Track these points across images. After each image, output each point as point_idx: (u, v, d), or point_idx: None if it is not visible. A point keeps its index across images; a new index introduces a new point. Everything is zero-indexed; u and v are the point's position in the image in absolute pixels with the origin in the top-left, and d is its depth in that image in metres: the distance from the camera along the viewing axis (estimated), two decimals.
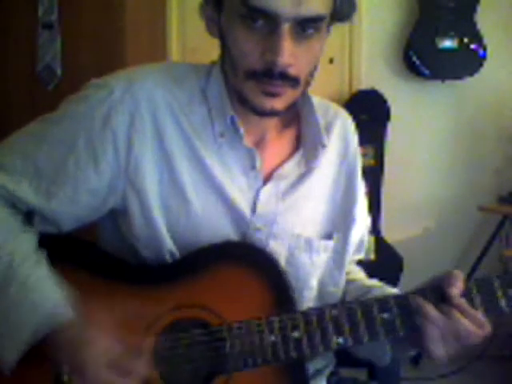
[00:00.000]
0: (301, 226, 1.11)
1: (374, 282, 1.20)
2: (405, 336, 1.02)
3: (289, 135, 1.13)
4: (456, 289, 0.99)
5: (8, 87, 2.00)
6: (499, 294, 1.00)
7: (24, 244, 1.00)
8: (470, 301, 0.99)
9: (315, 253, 1.12)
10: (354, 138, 1.21)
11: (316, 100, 1.14)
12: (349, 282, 1.21)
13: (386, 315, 1.00)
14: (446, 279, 1.00)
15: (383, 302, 1.01)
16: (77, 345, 0.91)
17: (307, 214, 1.13)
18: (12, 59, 1.99)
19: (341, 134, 1.18)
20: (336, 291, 1.16)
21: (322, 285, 1.15)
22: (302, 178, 1.12)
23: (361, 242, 1.24)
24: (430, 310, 0.98)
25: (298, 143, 1.13)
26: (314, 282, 1.13)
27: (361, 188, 1.20)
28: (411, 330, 1.00)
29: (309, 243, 1.11)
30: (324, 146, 1.12)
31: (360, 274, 1.25)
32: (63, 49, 1.94)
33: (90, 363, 0.89)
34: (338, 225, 1.16)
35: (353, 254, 1.24)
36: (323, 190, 1.15)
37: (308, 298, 1.12)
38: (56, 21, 1.93)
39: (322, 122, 1.12)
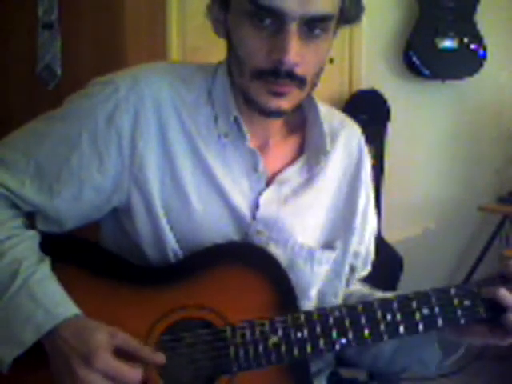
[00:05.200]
0: (304, 235, 1.10)
1: None
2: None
3: (293, 141, 1.13)
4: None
5: (8, 87, 2.00)
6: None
7: (27, 243, 1.00)
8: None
9: (317, 263, 1.11)
10: (361, 149, 1.19)
11: (322, 107, 1.13)
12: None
13: (388, 316, 1.00)
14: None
15: (386, 303, 1.01)
16: (81, 335, 0.91)
17: (310, 223, 1.12)
18: (12, 59, 1.99)
19: (346, 144, 1.17)
20: (335, 301, 1.15)
21: (321, 295, 1.14)
22: (305, 185, 1.11)
23: (367, 256, 1.23)
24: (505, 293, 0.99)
25: (302, 149, 1.13)
26: (313, 292, 1.12)
27: (363, 198, 1.18)
28: (412, 331, 1.00)
29: (311, 254, 1.10)
30: (327, 153, 1.11)
31: (379, 293, 1.21)
32: (63, 49, 1.94)
33: (96, 349, 0.89)
34: (339, 234, 1.15)
35: (361, 270, 1.22)
36: (326, 200, 1.14)
37: (306, 308, 1.10)
38: (56, 21, 1.93)
39: (326, 130, 1.11)
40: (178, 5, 2.70)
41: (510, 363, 2.81)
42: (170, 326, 0.98)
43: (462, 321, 1.01)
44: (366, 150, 1.21)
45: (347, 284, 1.20)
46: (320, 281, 1.13)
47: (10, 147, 1.04)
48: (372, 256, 1.25)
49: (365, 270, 1.25)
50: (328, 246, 1.13)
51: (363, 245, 1.21)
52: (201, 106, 1.06)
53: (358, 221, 1.17)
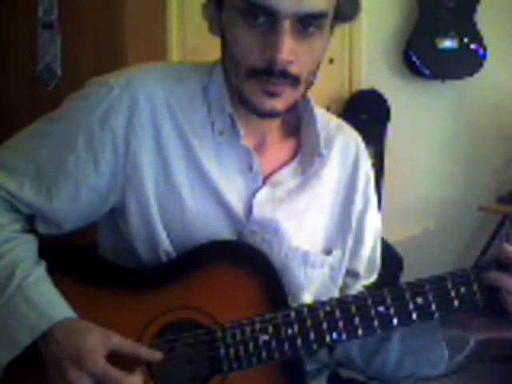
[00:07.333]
0: (299, 239, 1.09)
1: None
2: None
3: (290, 143, 1.12)
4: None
5: (8, 87, 2.00)
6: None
7: (25, 246, 1.01)
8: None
9: (310, 267, 1.09)
10: (358, 156, 1.18)
11: (319, 111, 1.13)
12: None
13: (380, 308, 0.98)
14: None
15: (378, 295, 0.99)
16: (73, 337, 0.91)
17: (307, 228, 1.11)
18: (12, 59, 1.99)
19: (342, 150, 1.16)
20: None
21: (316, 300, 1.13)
22: (299, 188, 1.10)
23: (371, 262, 1.21)
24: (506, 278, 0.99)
25: (298, 152, 1.12)
26: (306, 297, 1.10)
27: (359, 205, 1.17)
28: (406, 323, 0.99)
29: (306, 257, 1.09)
30: (321, 156, 1.11)
31: None
32: (63, 49, 1.94)
33: (89, 352, 0.89)
34: (337, 240, 1.14)
35: (364, 278, 1.20)
36: (323, 205, 1.13)
37: None
38: (56, 21, 1.93)
39: (322, 133, 1.11)
40: (178, 5, 2.70)
41: (510, 363, 2.81)
42: (161, 328, 0.98)
43: (456, 304, 0.99)
44: (365, 155, 1.19)
45: (349, 290, 1.18)
46: (314, 286, 1.12)
47: (10, 150, 1.05)
48: (378, 265, 1.23)
49: (370, 278, 1.22)
50: (326, 252, 1.13)
51: (362, 248, 1.19)
52: (196, 104, 1.06)
53: (353, 226, 1.16)
